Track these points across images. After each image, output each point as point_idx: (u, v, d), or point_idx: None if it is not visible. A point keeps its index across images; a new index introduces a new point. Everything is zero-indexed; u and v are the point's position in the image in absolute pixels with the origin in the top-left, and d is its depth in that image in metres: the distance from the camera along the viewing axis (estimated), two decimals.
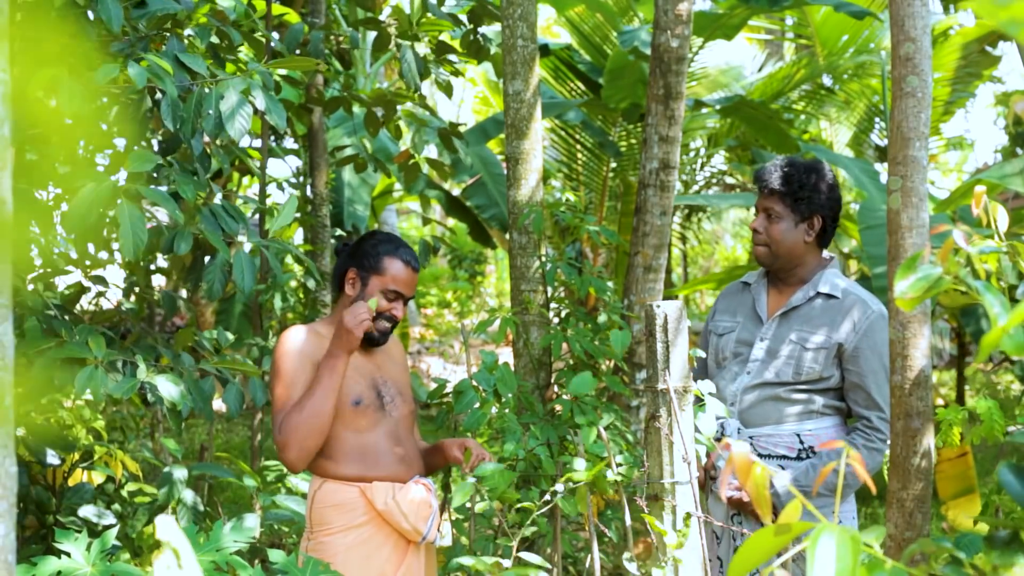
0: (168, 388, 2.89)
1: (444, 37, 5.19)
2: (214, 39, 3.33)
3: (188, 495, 3.42)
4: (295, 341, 2.60)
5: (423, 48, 4.93)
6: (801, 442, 2.79)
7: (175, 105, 2.73)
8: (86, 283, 3.59)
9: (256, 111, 3.02)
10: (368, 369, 2.68)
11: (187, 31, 3.11)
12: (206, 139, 3.25)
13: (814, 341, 2.79)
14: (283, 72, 4.56)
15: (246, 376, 3.38)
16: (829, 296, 2.84)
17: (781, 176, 2.83)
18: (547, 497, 2.53)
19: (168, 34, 3.01)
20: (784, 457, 2.80)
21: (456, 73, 5.00)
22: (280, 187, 6.33)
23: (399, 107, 5.21)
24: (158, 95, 2.94)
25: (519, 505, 2.62)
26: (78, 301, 3.53)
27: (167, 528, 1.05)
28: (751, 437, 2.82)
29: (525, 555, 2.36)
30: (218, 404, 7.43)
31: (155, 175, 3.01)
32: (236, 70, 2.95)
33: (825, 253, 2.96)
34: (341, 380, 2.55)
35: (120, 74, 2.60)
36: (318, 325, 2.70)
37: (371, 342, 2.67)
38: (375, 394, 2.65)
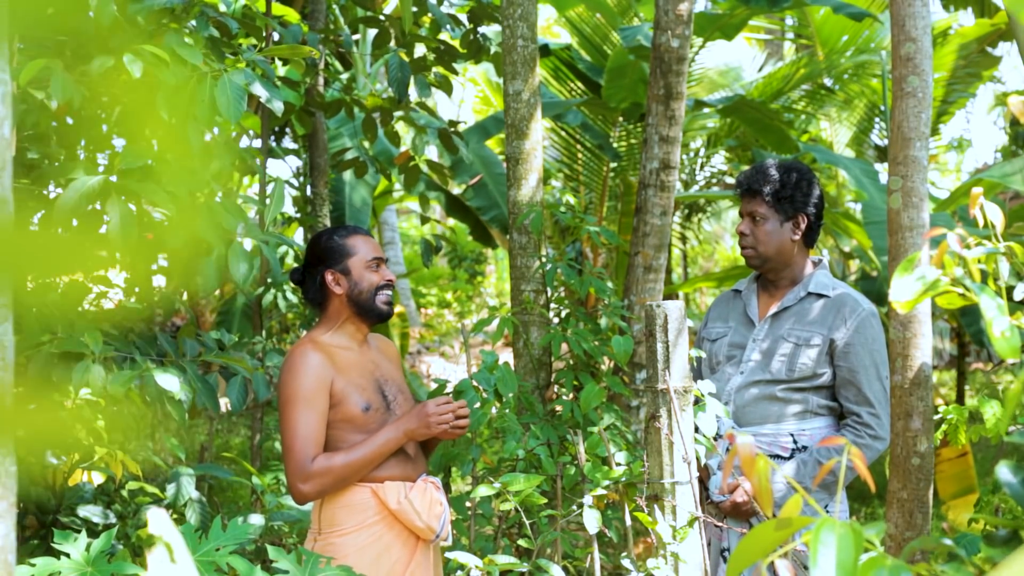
0: (167, 380, 2.88)
1: (443, 36, 5.19)
2: (214, 32, 3.32)
3: (195, 494, 3.42)
4: (309, 363, 2.57)
5: (421, 49, 4.94)
6: (795, 442, 2.80)
7: (171, 97, 2.71)
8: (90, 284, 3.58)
9: (256, 109, 3.02)
10: (369, 370, 2.69)
11: (190, 23, 3.11)
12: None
13: (806, 339, 2.81)
14: (282, 73, 4.55)
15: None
16: (820, 296, 2.86)
17: (763, 178, 2.86)
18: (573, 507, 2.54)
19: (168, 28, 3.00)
20: (778, 457, 2.80)
21: (451, 75, 5.00)
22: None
23: (398, 111, 5.21)
24: None
25: (545, 512, 2.63)
26: (82, 302, 3.53)
27: (158, 521, 1.04)
28: None
29: (544, 562, 2.37)
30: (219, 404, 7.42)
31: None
32: (235, 62, 2.93)
33: (814, 256, 2.97)
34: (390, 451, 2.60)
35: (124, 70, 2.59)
36: (320, 335, 2.67)
37: (382, 317, 2.69)
38: (380, 396, 2.67)
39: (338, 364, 2.61)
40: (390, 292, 2.70)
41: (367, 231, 2.74)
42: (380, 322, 2.72)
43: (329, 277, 2.67)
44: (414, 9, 4.97)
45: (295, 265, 2.77)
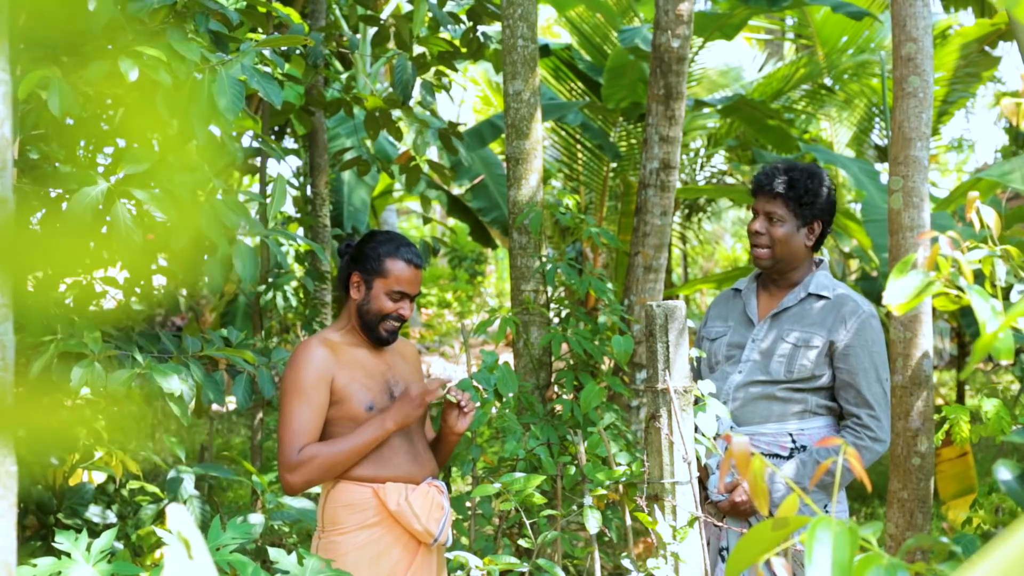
0: (168, 379, 2.87)
1: (443, 36, 5.19)
2: (219, 27, 3.31)
3: (195, 493, 3.43)
4: (310, 357, 2.58)
5: (419, 48, 4.94)
6: (793, 441, 2.80)
7: (170, 95, 2.71)
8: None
9: (256, 109, 3.01)
10: (380, 370, 2.69)
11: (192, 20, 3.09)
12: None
13: (805, 340, 2.80)
14: (283, 71, 4.55)
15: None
16: (820, 297, 2.85)
17: (786, 181, 2.83)
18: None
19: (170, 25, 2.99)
20: (776, 456, 2.80)
21: (452, 73, 4.99)
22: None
23: (398, 110, 5.22)
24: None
25: (545, 512, 2.63)
26: (90, 302, 3.52)
27: (178, 517, 1.04)
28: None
29: (544, 562, 2.37)
30: (217, 406, 7.41)
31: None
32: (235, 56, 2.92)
33: (815, 256, 2.97)
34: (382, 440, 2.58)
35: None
36: (329, 333, 2.70)
37: (380, 342, 2.69)
38: (387, 397, 2.66)
39: (343, 361, 2.61)
40: (397, 324, 2.69)
41: (420, 262, 2.71)
42: (379, 345, 2.71)
43: (354, 279, 2.69)
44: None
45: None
